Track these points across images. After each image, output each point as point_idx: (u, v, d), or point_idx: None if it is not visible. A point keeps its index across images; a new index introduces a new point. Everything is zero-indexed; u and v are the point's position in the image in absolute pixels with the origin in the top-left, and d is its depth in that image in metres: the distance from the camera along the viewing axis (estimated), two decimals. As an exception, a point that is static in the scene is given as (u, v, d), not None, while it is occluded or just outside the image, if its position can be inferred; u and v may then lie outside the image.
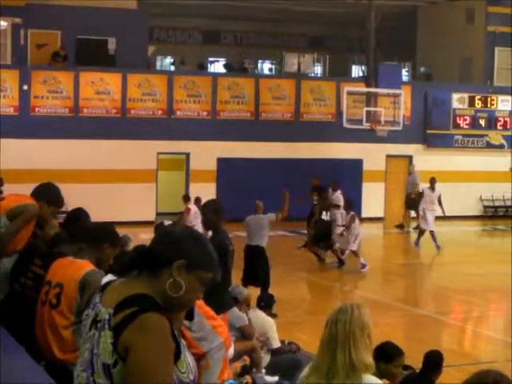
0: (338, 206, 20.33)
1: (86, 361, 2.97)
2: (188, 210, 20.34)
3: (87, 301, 4.87)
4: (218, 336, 6.53)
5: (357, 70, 37.52)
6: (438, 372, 7.10)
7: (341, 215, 20.04)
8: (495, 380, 3.30)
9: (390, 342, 6.66)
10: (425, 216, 22.45)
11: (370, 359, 3.99)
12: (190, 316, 6.18)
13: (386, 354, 6.41)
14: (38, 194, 6.48)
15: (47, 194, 6.47)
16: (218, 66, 36.14)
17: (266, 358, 9.21)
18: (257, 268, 14.27)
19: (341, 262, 19.31)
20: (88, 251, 5.72)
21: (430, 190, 22.55)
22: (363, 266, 18.80)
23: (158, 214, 25.93)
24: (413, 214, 26.34)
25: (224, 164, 27.15)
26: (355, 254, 19.10)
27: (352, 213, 19.32)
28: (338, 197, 20.67)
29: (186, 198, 20.91)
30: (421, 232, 22.66)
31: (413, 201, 26.18)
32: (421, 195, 23.04)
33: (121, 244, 6.00)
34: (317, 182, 21.38)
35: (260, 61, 37.01)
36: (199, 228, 18.88)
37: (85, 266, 5.55)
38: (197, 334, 6.33)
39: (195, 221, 19.64)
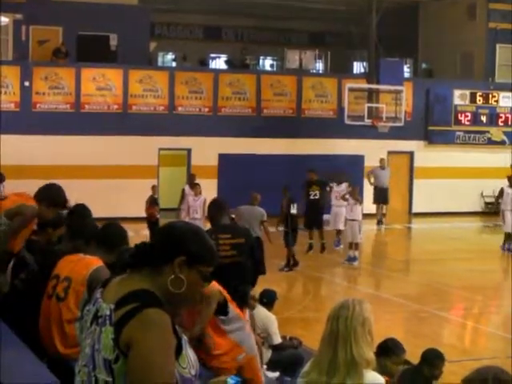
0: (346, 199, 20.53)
1: (88, 356, 2.98)
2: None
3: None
4: (243, 321, 6.66)
5: (358, 67, 37.48)
6: (434, 369, 7.08)
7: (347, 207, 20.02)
8: (495, 376, 3.30)
9: (392, 339, 6.67)
10: (504, 217, 21.39)
11: (371, 355, 4.00)
12: (224, 311, 6.31)
13: (388, 351, 6.41)
14: (38, 195, 6.51)
15: (47, 195, 6.47)
16: (219, 62, 36.16)
17: (267, 354, 9.22)
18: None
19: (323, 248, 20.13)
20: (95, 251, 5.73)
21: (510, 189, 21.37)
22: (354, 259, 18.89)
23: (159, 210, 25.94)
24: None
25: (225, 160, 27.16)
26: (356, 246, 19.09)
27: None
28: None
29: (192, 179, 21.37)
30: (508, 236, 21.25)
31: (383, 194, 26.12)
32: (500, 195, 21.57)
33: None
34: (314, 176, 20.89)
35: (261, 57, 37.01)
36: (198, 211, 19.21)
37: (94, 263, 5.57)
38: (231, 327, 6.45)
39: (194, 203, 19.81)
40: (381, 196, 26.37)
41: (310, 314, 13.86)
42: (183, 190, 20.85)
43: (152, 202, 19.59)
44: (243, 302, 8.38)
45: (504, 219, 21.36)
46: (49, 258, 5.88)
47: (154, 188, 20.14)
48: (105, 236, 5.82)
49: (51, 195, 6.50)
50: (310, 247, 20.30)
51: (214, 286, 6.37)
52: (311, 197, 20.17)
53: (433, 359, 7.12)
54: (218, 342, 6.40)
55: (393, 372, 6.59)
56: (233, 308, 6.51)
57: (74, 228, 6.20)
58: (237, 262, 8.29)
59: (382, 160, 26.69)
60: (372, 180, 26.51)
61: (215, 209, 8.83)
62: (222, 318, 6.35)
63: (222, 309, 6.29)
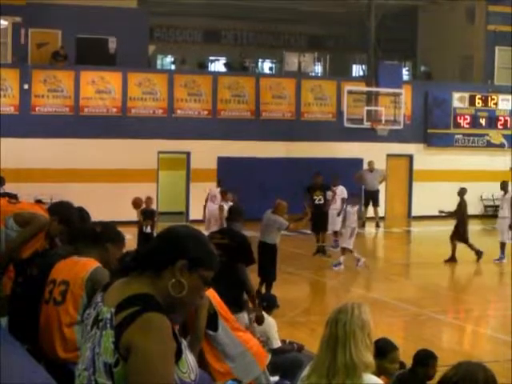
0: (344, 200, 20.80)
1: (88, 360, 2.98)
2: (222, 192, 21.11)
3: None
4: (244, 348, 6.38)
5: (357, 70, 37.54)
6: (428, 369, 7.06)
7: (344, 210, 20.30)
8: (485, 376, 3.29)
9: (383, 338, 6.65)
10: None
11: (370, 358, 3.99)
12: (214, 327, 6.15)
13: (380, 350, 6.39)
14: (52, 209, 6.55)
15: (61, 211, 6.49)
16: (218, 65, 36.16)
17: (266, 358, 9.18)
18: (261, 263, 14.41)
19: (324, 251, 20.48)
20: (91, 251, 5.73)
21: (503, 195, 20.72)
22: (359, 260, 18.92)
23: (158, 214, 25.92)
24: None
25: (224, 163, 27.16)
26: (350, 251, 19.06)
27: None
28: (343, 190, 21.06)
29: (219, 183, 21.75)
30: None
31: (374, 196, 26.21)
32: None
33: (123, 241, 5.99)
34: (320, 180, 21.05)
35: (260, 60, 37.04)
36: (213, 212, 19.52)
37: (90, 264, 5.57)
38: (225, 349, 6.24)
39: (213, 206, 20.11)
40: (371, 198, 26.44)
41: (309, 318, 13.85)
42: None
43: (141, 213, 18.87)
44: (238, 306, 8.34)
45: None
46: (48, 262, 5.87)
47: (148, 200, 19.28)
48: (94, 234, 5.85)
49: (64, 213, 6.51)
50: (318, 250, 20.63)
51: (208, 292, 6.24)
52: (316, 201, 20.39)
53: (426, 359, 7.11)
54: (212, 363, 6.23)
55: (390, 371, 6.58)
56: (230, 329, 6.32)
57: (74, 231, 6.20)
58: (222, 261, 8.27)
59: (370, 162, 26.70)
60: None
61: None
62: (211, 333, 6.18)
63: (211, 322, 6.12)
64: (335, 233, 21.44)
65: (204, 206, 21.51)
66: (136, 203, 18.25)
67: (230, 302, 7.96)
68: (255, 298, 9.33)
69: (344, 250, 18.89)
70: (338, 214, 21.14)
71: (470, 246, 20.11)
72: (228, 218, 8.93)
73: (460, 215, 20.33)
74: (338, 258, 19.03)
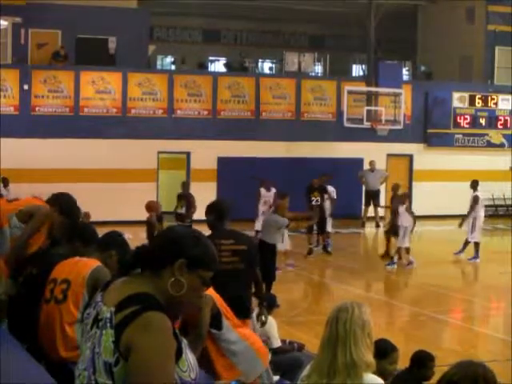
0: (333, 200, 21.26)
1: (88, 359, 2.98)
2: (259, 194, 21.47)
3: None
4: (246, 343, 6.36)
5: (357, 69, 37.55)
6: (425, 370, 7.05)
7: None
8: (485, 375, 3.31)
9: (383, 339, 6.65)
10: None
11: (370, 358, 3.99)
12: (218, 325, 6.13)
13: (380, 351, 6.39)
14: (52, 200, 6.55)
15: (61, 202, 6.50)
16: (218, 65, 36.16)
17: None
18: (261, 263, 14.38)
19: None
20: (93, 253, 5.76)
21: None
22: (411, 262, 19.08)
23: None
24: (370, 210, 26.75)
25: (224, 163, 27.15)
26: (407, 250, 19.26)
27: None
28: (332, 191, 21.34)
29: (262, 183, 21.75)
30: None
31: (375, 196, 26.30)
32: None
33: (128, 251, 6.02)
34: (317, 181, 21.12)
35: (260, 60, 37.03)
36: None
37: (92, 263, 5.59)
38: (229, 345, 6.23)
39: (263, 207, 20.16)
40: (372, 198, 26.55)
41: (309, 317, 13.85)
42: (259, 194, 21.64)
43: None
44: (245, 314, 8.30)
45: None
46: (48, 261, 5.88)
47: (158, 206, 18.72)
48: (107, 240, 5.91)
49: (65, 203, 6.52)
50: (310, 251, 20.65)
51: (209, 293, 6.19)
52: (313, 202, 20.54)
53: (423, 361, 7.09)
54: (216, 360, 6.22)
55: (390, 372, 6.58)
56: (232, 327, 6.29)
57: (72, 230, 6.21)
58: (238, 268, 8.20)
59: (371, 162, 26.73)
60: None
61: (217, 212, 8.62)
62: (215, 331, 6.16)
63: (215, 321, 6.10)
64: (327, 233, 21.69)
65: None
66: (149, 207, 17.88)
67: (244, 307, 7.93)
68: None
69: (400, 250, 19.23)
70: (329, 215, 21.32)
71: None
72: (217, 217, 8.55)
73: (394, 210, 20.58)
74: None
